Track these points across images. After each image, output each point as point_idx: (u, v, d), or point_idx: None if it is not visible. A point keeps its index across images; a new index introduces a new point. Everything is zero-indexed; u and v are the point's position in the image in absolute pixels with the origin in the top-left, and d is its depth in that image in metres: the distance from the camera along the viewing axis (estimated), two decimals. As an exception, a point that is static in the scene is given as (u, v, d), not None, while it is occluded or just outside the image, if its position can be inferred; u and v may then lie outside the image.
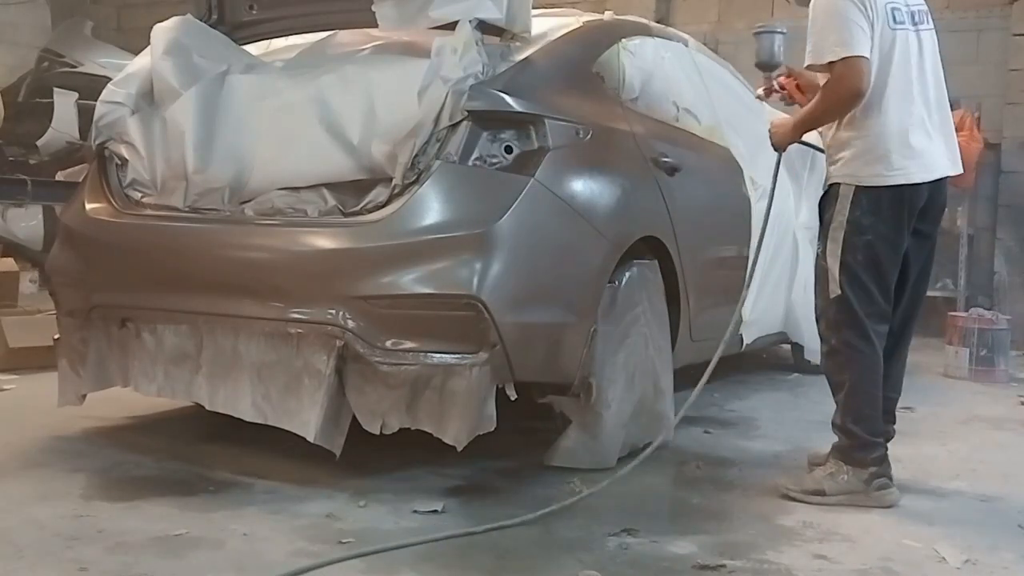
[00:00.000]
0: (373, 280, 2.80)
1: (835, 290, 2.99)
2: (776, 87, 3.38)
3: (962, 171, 3.13)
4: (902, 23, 2.99)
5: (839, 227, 2.98)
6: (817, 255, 3.11)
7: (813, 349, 5.12)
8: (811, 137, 3.49)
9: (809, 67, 3.02)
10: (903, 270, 3.07)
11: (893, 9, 2.97)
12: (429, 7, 3.04)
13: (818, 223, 3.16)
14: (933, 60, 3.10)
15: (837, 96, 2.93)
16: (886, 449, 3.03)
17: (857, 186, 2.96)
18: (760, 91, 3.43)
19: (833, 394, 3.10)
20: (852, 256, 2.97)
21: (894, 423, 3.17)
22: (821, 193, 3.17)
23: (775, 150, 3.30)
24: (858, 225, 2.96)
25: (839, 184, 3.01)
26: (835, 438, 3.07)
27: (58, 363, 3.39)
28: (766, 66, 3.33)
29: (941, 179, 3.03)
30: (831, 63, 2.88)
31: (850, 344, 3.00)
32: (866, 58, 2.87)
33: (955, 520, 2.86)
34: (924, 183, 2.97)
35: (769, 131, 3.26)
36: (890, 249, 2.99)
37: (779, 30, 3.41)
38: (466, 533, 2.56)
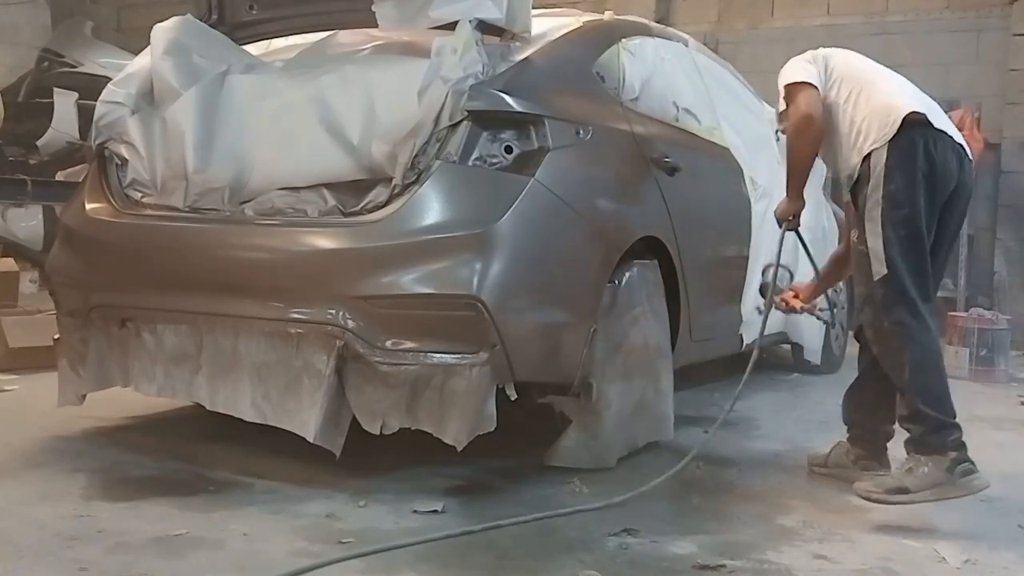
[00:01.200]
0: (373, 280, 2.80)
1: (880, 270, 2.89)
2: (777, 302, 3.64)
3: (971, 158, 3.09)
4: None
5: (875, 205, 2.92)
6: (854, 243, 3.08)
7: (813, 349, 5.15)
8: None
9: (781, 132, 3.28)
10: None
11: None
12: (429, 7, 3.04)
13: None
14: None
15: (793, 128, 3.08)
16: (961, 431, 2.83)
17: (889, 143, 2.91)
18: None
19: (895, 381, 2.93)
20: (894, 231, 2.88)
21: (895, 423, 3.07)
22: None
23: (779, 225, 3.36)
24: (894, 200, 2.89)
25: (868, 158, 2.96)
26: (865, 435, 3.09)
27: (58, 363, 3.39)
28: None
29: (963, 155, 3.00)
30: (782, 113, 3.15)
31: (904, 323, 2.87)
32: (813, 86, 3.07)
33: (955, 520, 2.86)
34: (943, 135, 2.95)
35: (776, 217, 3.37)
36: (926, 223, 2.92)
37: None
38: (463, 532, 2.56)
